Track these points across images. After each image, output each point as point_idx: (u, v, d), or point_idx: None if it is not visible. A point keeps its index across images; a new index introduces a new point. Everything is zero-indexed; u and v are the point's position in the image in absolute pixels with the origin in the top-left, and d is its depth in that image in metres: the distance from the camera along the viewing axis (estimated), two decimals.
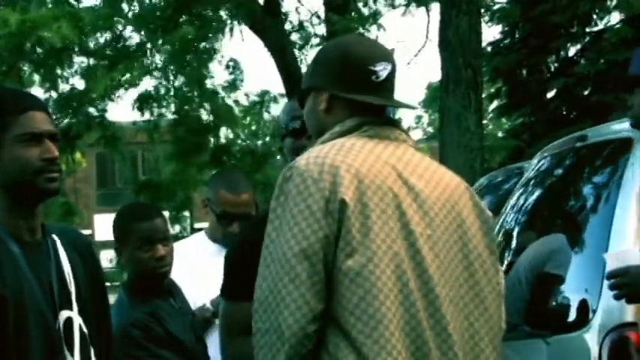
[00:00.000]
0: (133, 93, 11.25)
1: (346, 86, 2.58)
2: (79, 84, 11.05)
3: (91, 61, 10.73)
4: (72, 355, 2.49)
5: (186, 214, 14.95)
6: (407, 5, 11.20)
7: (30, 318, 2.45)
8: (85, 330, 2.55)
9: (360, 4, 11.29)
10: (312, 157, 2.44)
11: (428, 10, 11.94)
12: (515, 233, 4.19)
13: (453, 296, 2.44)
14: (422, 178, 2.48)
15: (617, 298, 2.83)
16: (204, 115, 10.80)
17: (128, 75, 10.79)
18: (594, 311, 3.30)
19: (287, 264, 2.36)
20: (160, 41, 10.73)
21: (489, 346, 2.48)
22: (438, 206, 2.46)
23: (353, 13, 10.80)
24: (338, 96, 2.58)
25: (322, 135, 2.57)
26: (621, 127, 3.53)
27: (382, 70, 2.57)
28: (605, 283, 3.20)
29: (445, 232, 2.46)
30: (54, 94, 10.60)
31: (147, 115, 11.35)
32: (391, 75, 2.59)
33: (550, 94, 15.35)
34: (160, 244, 3.63)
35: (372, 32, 11.73)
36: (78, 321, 2.53)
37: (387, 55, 2.64)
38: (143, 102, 10.90)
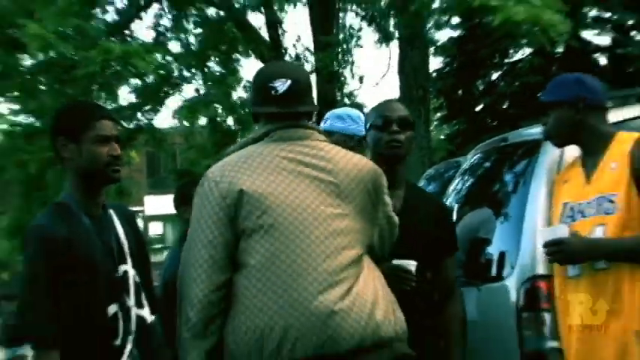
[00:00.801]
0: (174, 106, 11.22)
1: (257, 102, 2.54)
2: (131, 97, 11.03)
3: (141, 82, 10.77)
4: (128, 297, 2.52)
5: None
6: (378, 42, 11.13)
7: (99, 271, 2.47)
8: (137, 279, 2.57)
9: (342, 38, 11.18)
10: (219, 166, 2.43)
11: (389, 47, 11.94)
12: (455, 209, 4.18)
13: (343, 243, 2.34)
14: (301, 174, 2.38)
15: (551, 261, 2.82)
16: (230, 122, 10.70)
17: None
18: (513, 267, 3.31)
19: (196, 251, 2.34)
20: (197, 75, 10.75)
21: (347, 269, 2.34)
22: (313, 188, 2.37)
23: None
24: (254, 111, 2.56)
25: None
26: (533, 131, 3.53)
27: (280, 85, 2.47)
28: (526, 245, 3.24)
29: (327, 201, 2.37)
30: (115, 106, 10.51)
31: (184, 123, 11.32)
32: (293, 88, 2.47)
33: (478, 108, 15.50)
34: None
35: (348, 65, 11.65)
36: (132, 272, 2.56)
37: (287, 73, 2.52)
38: (183, 114, 10.85)
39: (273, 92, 2.47)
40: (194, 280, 2.32)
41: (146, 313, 2.56)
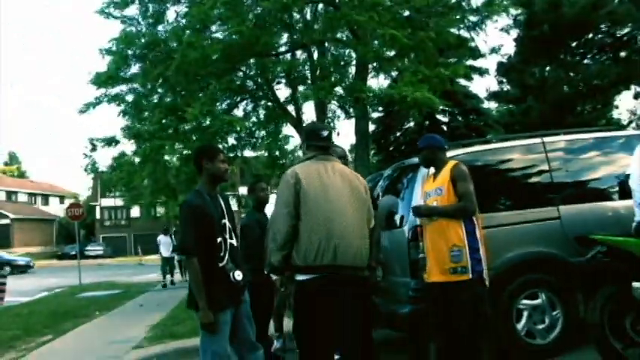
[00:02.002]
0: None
1: (310, 139, 2.40)
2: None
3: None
4: (226, 233, 2.45)
5: None
6: (345, 118, 11.02)
7: (213, 222, 2.41)
8: (229, 225, 2.49)
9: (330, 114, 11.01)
10: (292, 169, 2.31)
11: (350, 120, 11.74)
12: (381, 195, 4.13)
13: (349, 210, 2.25)
14: (330, 176, 2.29)
15: (414, 216, 2.91)
16: (277, 153, 10.53)
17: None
18: (406, 221, 3.30)
19: (280, 208, 2.24)
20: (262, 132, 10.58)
21: (362, 228, 2.29)
22: (337, 184, 2.27)
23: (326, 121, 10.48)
24: (307, 144, 2.43)
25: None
26: (415, 159, 3.48)
27: (323, 132, 2.38)
28: (411, 212, 3.16)
29: (342, 190, 2.26)
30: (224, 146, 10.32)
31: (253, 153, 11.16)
32: (328, 135, 2.39)
33: (391, 149, 15.56)
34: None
35: (333, 128, 11.44)
36: (227, 223, 2.49)
37: (325, 128, 2.43)
38: (255, 148, 10.75)
39: (320, 135, 2.37)
40: (280, 222, 2.22)
41: (234, 241, 2.50)
